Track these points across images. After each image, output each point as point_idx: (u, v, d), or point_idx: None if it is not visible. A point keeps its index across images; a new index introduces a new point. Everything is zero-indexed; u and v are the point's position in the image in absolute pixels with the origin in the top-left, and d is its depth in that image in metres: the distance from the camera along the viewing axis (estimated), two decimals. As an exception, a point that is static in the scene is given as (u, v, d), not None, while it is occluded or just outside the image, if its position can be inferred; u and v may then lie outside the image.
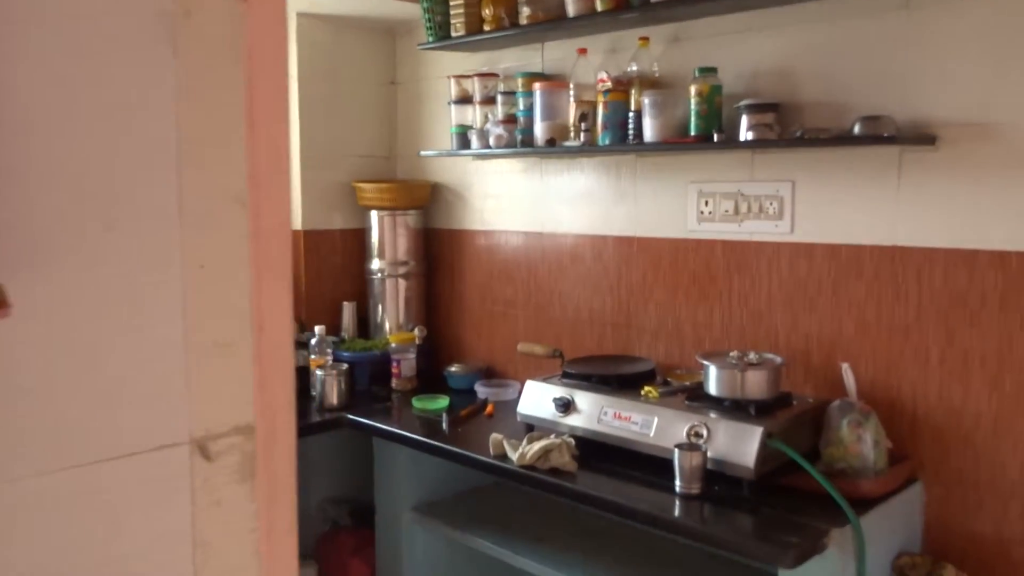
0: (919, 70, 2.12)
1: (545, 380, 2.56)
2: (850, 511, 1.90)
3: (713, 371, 2.24)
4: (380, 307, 3.37)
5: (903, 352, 2.20)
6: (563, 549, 2.54)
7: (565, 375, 2.56)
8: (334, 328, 3.36)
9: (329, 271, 3.41)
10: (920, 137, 2.11)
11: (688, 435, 2.16)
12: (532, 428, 2.52)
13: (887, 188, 2.20)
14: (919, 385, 2.18)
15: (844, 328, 2.31)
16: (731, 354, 2.27)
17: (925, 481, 2.18)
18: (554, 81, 2.83)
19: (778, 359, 2.28)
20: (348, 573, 3.21)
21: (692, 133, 2.41)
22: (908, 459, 2.18)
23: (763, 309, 2.47)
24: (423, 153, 3.22)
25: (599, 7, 2.48)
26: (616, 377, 2.47)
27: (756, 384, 2.20)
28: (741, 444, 2.08)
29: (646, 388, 2.38)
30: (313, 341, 3.00)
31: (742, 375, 2.18)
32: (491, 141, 2.89)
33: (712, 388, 2.25)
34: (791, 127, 2.26)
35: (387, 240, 3.34)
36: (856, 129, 2.11)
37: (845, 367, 2.18)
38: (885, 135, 2.06)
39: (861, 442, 2.10)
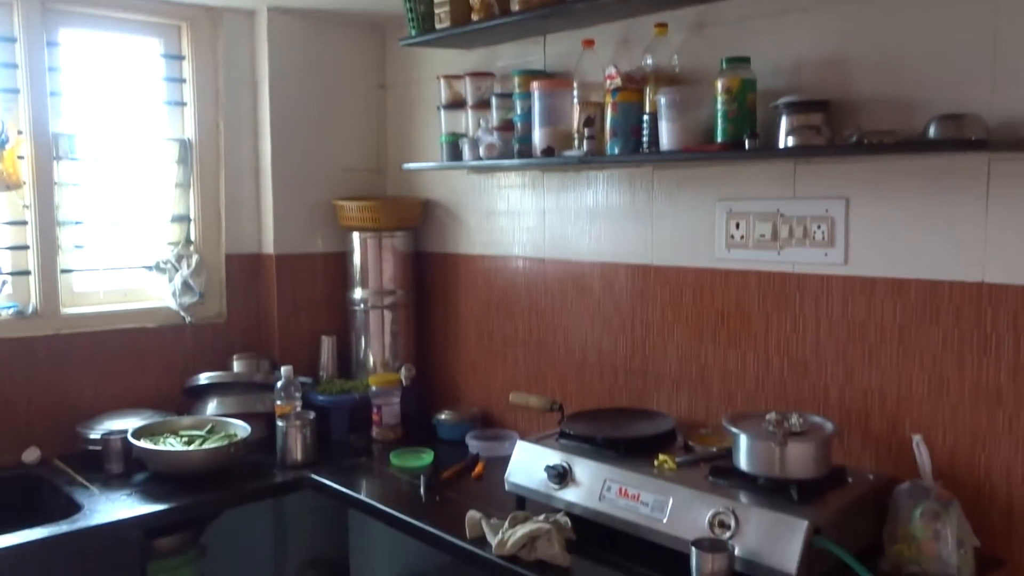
0: (1015, 53, 1.62)
1: (539, 441, 2.09)
2: (929, 648, 1.41)
3: (744, 442, 1.76)
4: (363, 342, 2.93)
5: (994, 420, 1.69)
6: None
7: (563, 435, 2.10)
8: (312, 366, 2.93)
9: (306, 301, 2.98)
10: (1018, 142, 1.61)
11: (711, 524, 1.68)
12: (523, 501, 2.05)
13: (972, 208, 1.70)
14: (1016, 464, 1.67)
15: (915, 386, 1.80)
16: (768, 417, 1.78)
17: (1025, 592, 1.67)
18: (555, 80, 2.38)
19: (829, 425, 1.79)
20: (322, 652, 2.78)
21: (719, 139, 1.93)
22: (1002, 564, 1.67)
23: (809, 359, 1.98)
24: (406, 167, 2.78)
25: (604, -14, 2.03)
26: (624, 441, 2.00)
27: (800, 459, 1.71)
28: (780, 541, 1.59)
29: (661, 457, 1.91)
30: (279, 384, 2.58)
31: (781, 449, 1.69)
32: (481, 151, 2.44)
33: (743, 462, 1.76)
34: (844, 130, 1.77)
35: (371, 266, 2.91)
36: (931, 131, 1.62)
37: (917, 439, 1.68)
38: (972, 138, 1.57)
39: (939, 540, 1.61)
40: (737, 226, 2.08)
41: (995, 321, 1.68)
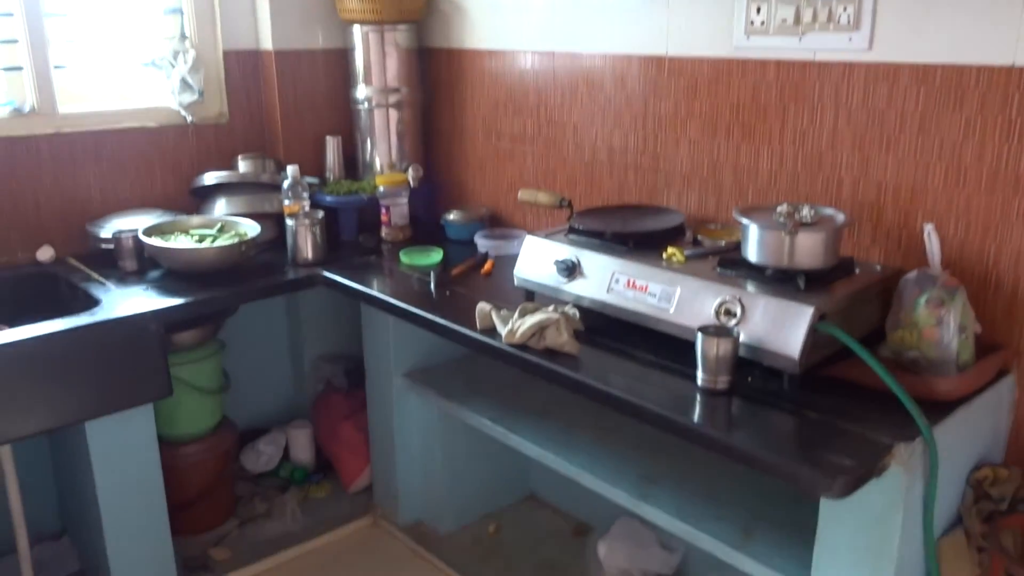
0: None
1: (548, 236, 2.10)
2: (923, 423, 1.46)
3: (754, 232, 1.75)
4: (369, 142, 2.88)
5: (1008, 209, 1.68)
6: (568, 428, 2.18)
7: (572, 231, 2.10)
8: (317, 167, 2.91)
9: (308, 100, 2.90)
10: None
11: (717, 313, 1.71)
12: (531, 295, 2.09)
13: (1010, -16, 1.60)
14: (1026, 253, 1.67)
15: (931, 177, 1.77)
16: (779, 209, 1.77)
17: (1019, 376, 1.72)
18: None
19: (840, 216, 1.78)
20: (340, 437, 2.94)
21: (744, -88, 1.80)
22: (1001, 348, 1.70)
23: (824, 152, 1.93)
24: (408, -50, 2.62)
25: None
26: (633, 235, 2.00)
27: (809, 249, 1.71)
28: (784, 327, 1.62)
29: (670, 250, 1.91)
30: (286, 184, 2.56)
31: (791, 238, 1.69)
32: (488, -68, 2.29)
33: (752, 253, 1.77)
34: (881, -102, 1.64)
35: (374, 62, 2.80)
36: None
37: (928, 228, 1.67)
38: (1021, -98, 1.45)
39: (942, 326, 1.63)
40: (758, 11, 1.97)
41: (1022, 106, 1.62)
